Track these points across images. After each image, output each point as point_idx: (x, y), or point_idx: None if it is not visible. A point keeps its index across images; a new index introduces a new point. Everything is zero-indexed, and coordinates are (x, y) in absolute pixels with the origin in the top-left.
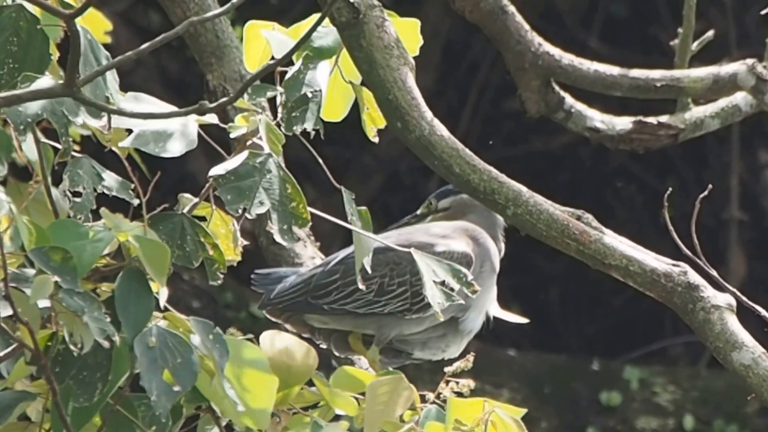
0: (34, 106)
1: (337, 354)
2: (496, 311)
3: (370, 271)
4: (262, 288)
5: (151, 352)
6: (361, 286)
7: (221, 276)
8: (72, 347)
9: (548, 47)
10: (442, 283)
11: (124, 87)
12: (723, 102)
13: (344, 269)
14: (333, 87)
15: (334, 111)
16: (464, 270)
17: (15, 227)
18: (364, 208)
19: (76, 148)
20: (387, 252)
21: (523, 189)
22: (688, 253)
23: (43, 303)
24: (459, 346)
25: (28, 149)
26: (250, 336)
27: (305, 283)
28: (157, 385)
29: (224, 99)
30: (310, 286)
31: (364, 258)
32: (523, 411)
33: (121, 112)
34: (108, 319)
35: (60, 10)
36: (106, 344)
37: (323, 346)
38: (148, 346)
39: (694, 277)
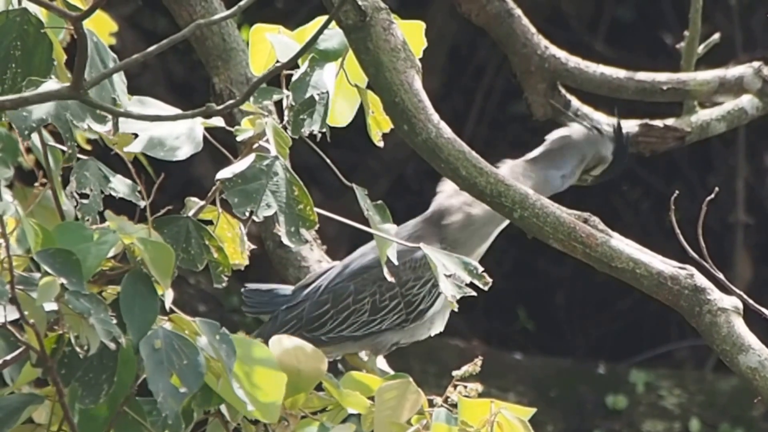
0: (38, 111)
1: (340, 367)
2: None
3: (396, 262)
4: (253, 308)
5: (157, 355)
6: (389, 278)
7: (226, 279)
8: (78, 349)
9: (554, 50)
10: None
11: (131, 90)
12: (729, 105)
13: (333, 297)
14: (338, 92)
15: (340, 116)
16: (474, 262)
17: (21, 230)
18: (380, 202)
19: (87, 148)
20: (371, 270)
21: (530, 192)
22: (695, 256)
23: (50, 305)
24: (443, 322)
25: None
26: (259, 341)
27: (297, 318)
28: (163, 387)
29: (231, 102)
30: (302, 320)
31: (388, 250)
32: (532, 411)
33: (128, 115)
34: (114, 321)
35: (67, 12)
36: (112, 346)
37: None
38: (154, 348)
39: (701, 280)
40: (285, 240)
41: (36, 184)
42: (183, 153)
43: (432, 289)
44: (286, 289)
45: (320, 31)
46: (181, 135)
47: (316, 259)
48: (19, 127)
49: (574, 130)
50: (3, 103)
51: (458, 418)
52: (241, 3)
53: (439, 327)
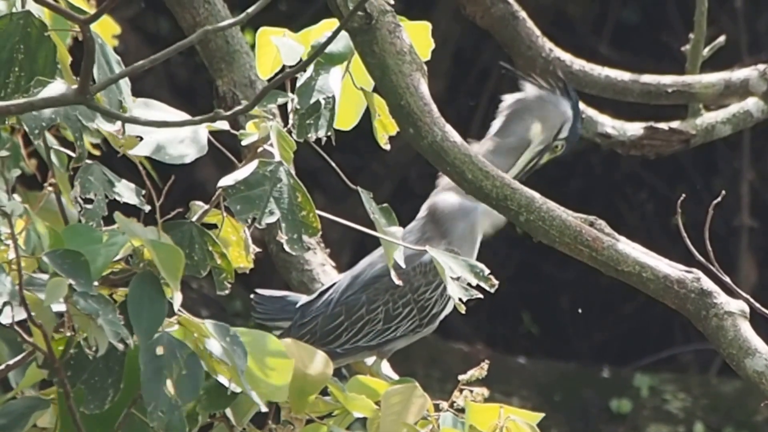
0: (48, 111)
1: (344, 372)
2: None
3: (404, 265)
4: (263, 315)
5: (157, 361)
6: (398, 282)
7: (229, 286)
8: (87, 350)
9: (559, 53)
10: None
11: (133, 93)
12: (734, 108)
13: (346, 309)
14: (343, 94)
15: (345, 119)
16: (480, 265)
17: (28, 231)
18: (385, 204)
19: (96, 153)
20: (382, 279)
21: (536, 195)
22: (701, 259)
23: (58, 307)
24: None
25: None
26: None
27: (311, 333)
28: (156, 397)
29: (239, 107)
30: (316, 335)
31: (395, 253)
32: (540, 416)
33: (134, 120)
34: (122, 323)
35: (75, 15)
36: (120, 347)
37: None
38: (155, 354)
39: (708, 284)
40: (287, 247)
41: (45, 184)
42: (187, 157)
43: (443, 293)
44: (297, 296)
45: (331, 39)
46: (185, 139)
47: (319, 262)
48: (29, 126)
49: (527, 91)
50: (8, 108)
51: (466, 423)
52: (249, 9)
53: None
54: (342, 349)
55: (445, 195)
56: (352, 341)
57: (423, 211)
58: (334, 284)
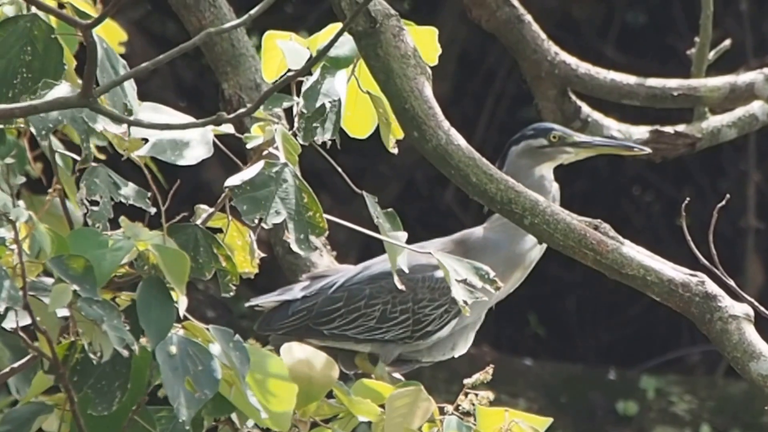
0: (55, 113)
1: (344, 371)
2: None
3: (407, 270)
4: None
5: (173, 361)
6: (400, 286)
7: (234, 288)
8: (91, 356)
9: (565, 56)
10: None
11: (139, 95)
12: (740, 111)
13: (347, 296)
14: (359, 101)
15: (361, 127)
16: (486, 267)
17: (33, 236)
18: (390, 209)
19: (102, 157)
20: (389, 278)
21: (540, 198)
22: (706, 262)
23: (62, 312)
24: (466, 343)
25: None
26: (270, 348)
27: (308, 310)
28: (180, 393)
29: (242, 110)
30: (312, 313)
31: (399, 257)
32: (549, 420)
33: (138, 123)
34: (127, 328)
35: (77, 20)
36: (125, 353)
37: None
38: (169, 354)
39: (712, 287)
40: (294, 247)
41: (50, 190)
42: (193, 157)
43: (444, 315)
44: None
45: (334, 41)
46: (191, 141)
47: (325, 264)
48: (36, 127)
49: (514, 151)
50: (12, 111)
51: (474, 428)
52: (252, 11)
53: (462, 349)
54: (329, 332)
55: (485, 231)
56: (342, 328)
57: (456, 235)
58: (346, 269)
